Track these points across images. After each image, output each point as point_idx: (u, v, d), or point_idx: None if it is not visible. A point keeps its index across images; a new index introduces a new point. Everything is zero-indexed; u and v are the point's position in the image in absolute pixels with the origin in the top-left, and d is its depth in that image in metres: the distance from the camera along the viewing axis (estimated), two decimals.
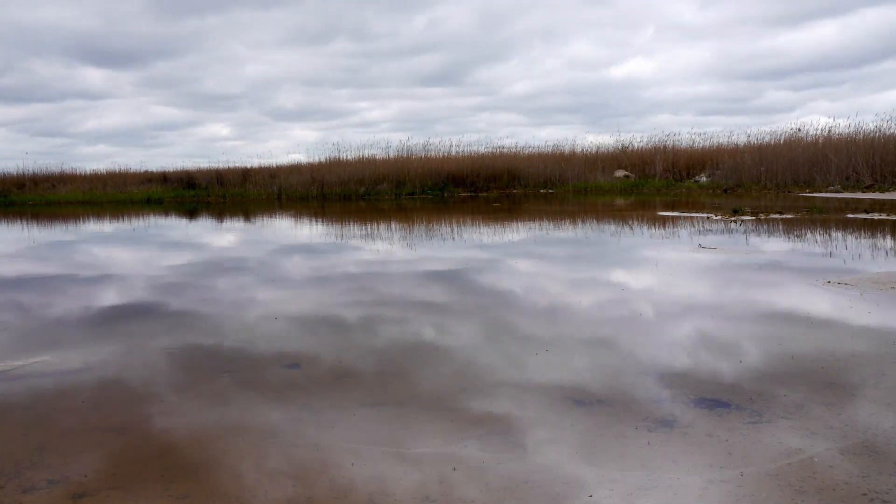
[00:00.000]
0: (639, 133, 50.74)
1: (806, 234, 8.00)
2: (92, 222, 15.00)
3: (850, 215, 10.11)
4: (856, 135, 19.80)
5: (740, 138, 26.36)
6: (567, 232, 9.38)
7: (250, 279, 5.88)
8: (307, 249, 8.20)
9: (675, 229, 9.12)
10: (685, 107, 53.80)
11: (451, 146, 26.20)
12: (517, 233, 9.43)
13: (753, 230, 8.53)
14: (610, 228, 9.60)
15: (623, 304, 4.35)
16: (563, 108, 56.87)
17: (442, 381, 2.89)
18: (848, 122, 33.96)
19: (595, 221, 10.92)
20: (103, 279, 6.26)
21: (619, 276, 5.55)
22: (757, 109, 52.82)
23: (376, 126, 58.22)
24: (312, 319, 4.18)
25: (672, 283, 5.09)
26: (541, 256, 6.79)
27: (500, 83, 59.27)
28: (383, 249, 7.78)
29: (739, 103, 53.62)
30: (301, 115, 60.05)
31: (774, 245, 7.11)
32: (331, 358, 3.27)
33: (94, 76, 58.33)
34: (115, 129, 56.41)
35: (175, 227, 13.12)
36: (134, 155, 67.50)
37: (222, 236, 10.59)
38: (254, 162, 28.63)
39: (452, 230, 10.01)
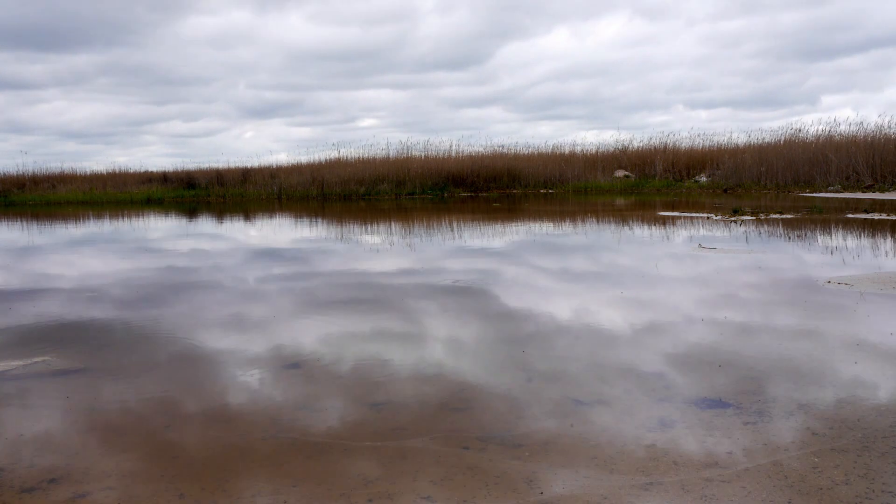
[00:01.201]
0: (658, 129, 48.12)
1: (806, 234, 8.00)
2: (83, 223, 14.99)
3: (850, 215, 10.11)
4: (856, 135, 19.81)
5: (740, 138, 26.38)
6: (570, 234, 9.38)
7: (223, 297, 5.02)
8: (298, 258, 7.51)
9: (676, 229, 9.12)
10: (719, 96, 49.53)
11: (451, 146, 26.22)
12: (520, 236, 9.41)
13: (753, 230, 8.53)
14: (612, 230, 9.61)
15: (636, 319, 4.35)
16: (572, 100, 53.26)
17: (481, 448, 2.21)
18: (848, 122, 33.92)
19: (597, 222, 10.92)
20: (46, 293, 5.40)
21: (626, 282, 5.53)
22: (801, 99, 48.12)
23: (363, 119, 53.68)
24: (294, 360, 3.25)
25: (674, 285, 5.09)
26: (549, 265, 6.74)
27: (509, 72, 54.56)
28: (383, 257, 7.17)
29: (783, 91, 48.60)
30: (278, 108, 54.80)
31: (774, 245, 7.11)
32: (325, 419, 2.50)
33: (29, 63, 51.47)
34: (75, 125, 51.07)
35: (168, 227, 13.12)
36: (108, 155, 62.78)
37: (210, 240, 10.57)
38: (253, 162, 28.65)
39: (454, 233, 10.00)
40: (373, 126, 54.47)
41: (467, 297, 4.80)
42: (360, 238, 9.38)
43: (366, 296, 4.96)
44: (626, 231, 9.17)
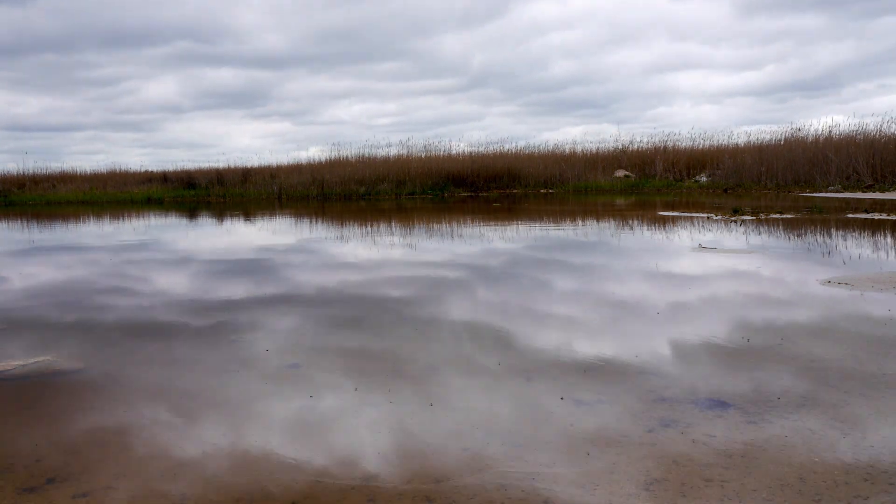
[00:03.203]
0: (679, 129, 44.96)
1: (805, 234, 8.00)
2: (63, 224, 14.99)
3: (850, 215, 10.10)
4: (856, 135, 19.81)
5: (741, 138, 26.39)
6: (577, 239, 9.38)
7: (147, 346, 3.55)
8: (282, 274, 6.75)
9: (676, 229, 9.12)
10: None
11: (451, 146, 26.26)
12: (525, 243, 9.38)
13: (753, 230, 8.53)
14: (616, 231, 9.61)
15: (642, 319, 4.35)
16: (584, 97, 49.52)
17: None
18: (848, 122, 33.87)
19: (600, 224, 10.93)
20: None
21: (632, 284, 5.54)
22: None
23: (342, 111, 47.80)
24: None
25: (674, 285, 5.09)
26: (563, 281, 6.60)
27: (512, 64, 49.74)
28: (380, 272, 6.33)
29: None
30: (246, 98, 47.14)
31: (774, 244, 7.11)
32: None
33: None
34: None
35: (152, 228, 13.11)
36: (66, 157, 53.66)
37: (187, 245, 10.54)
38: (254, 161, 28.74)
39: (456, 239, 9.99)
40: (350, 121, 48.18)
41: (499, 344, 3.34)
42: (356, 248, 9.33)
43: (359, 343, 3.44)
44: (629, 232, 9.17)
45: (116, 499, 1.94)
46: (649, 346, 3.36)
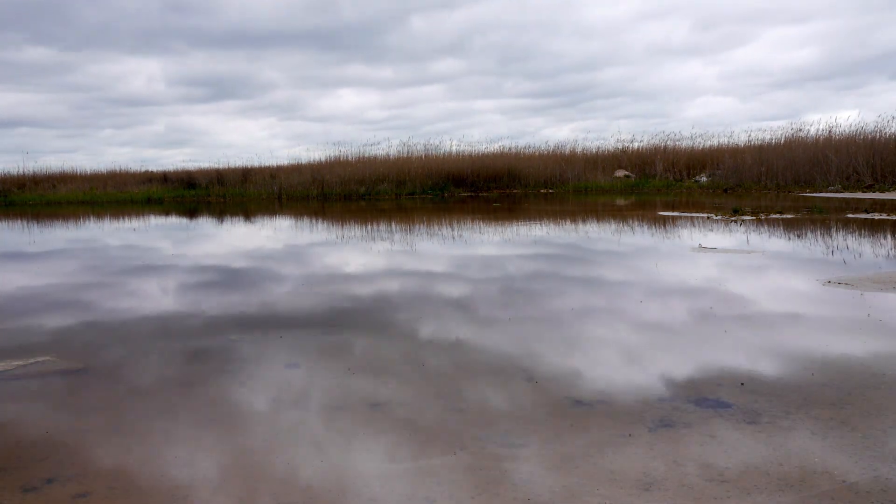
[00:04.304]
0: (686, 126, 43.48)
1: (806, 234, 8.00)
2: (71, 225, 14.98)
3: (850, 215, 10.10)
4: (856, 135, 19.78)
5: (741, 138, 26.36)
6: (574, 239, 9.39)
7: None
8: (266, 290, 6.34)
9: (677, 230, 9.12)
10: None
11: (451, 146, 26.24)
12: (530, 248, 9.36)
13: (754, 230, 8.53)
14: (614, 231, 9.62)
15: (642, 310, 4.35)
16: (594, 92, 47.48)
17: None
18: (849, 122, 33.79)
19: (599, 224, 10.93)
20: None
21: (633, 284, 5.54)
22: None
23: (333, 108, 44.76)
24: None
25: (675, 288, 5.09)
26: (560, 285, 6.63)
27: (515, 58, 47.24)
28: (381, 279, 6.30)
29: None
30: (227, 88, 42.56)
31: (774, 244, 7.11)
32: None
33: None
34: None
35: (139, 228, 13.10)
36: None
37: (165, 254, 10.49)
38: (254, 161, 28.77)
39: (456, 239, 9.99)
40: (343, 116, 45.32)
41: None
42: (357, 256, 9.22)
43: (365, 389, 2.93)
44: (630, 234, 9.18)
45: (116, 499, 1.94)
46: (650, 365, 3.36)
